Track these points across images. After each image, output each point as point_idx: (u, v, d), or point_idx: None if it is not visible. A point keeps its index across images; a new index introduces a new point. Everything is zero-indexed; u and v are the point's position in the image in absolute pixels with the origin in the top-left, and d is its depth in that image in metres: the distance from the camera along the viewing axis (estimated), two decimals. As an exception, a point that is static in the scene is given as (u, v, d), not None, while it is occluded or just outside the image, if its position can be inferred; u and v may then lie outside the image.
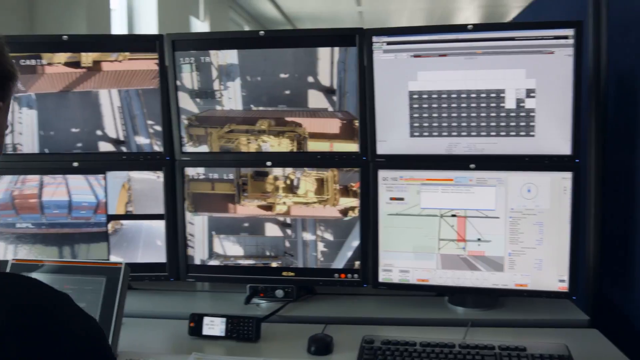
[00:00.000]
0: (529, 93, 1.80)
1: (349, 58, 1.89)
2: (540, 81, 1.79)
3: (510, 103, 1.82)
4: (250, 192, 1.99)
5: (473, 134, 1.85)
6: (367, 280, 1.96)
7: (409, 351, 1.56)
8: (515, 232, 1.83)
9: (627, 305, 1.87)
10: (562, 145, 1.80)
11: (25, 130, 2.01)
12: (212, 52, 1.95)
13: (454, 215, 1.87)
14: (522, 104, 1.81)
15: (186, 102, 1.98)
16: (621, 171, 1.90)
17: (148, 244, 2.03)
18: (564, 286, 1.81)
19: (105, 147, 2.02)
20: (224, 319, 1.73)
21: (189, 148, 2.00)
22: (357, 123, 1.91)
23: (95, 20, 3.29)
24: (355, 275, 1.96)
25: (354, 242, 1.95)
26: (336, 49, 1.89)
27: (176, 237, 2.02)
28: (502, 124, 1.83)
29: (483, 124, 1.84)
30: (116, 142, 2.02)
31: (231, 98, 1.96)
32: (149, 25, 5.23)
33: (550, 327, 1.79)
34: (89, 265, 1.61)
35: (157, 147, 2.01)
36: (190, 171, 2.00)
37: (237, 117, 1.97)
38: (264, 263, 2.00)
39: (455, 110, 1.85)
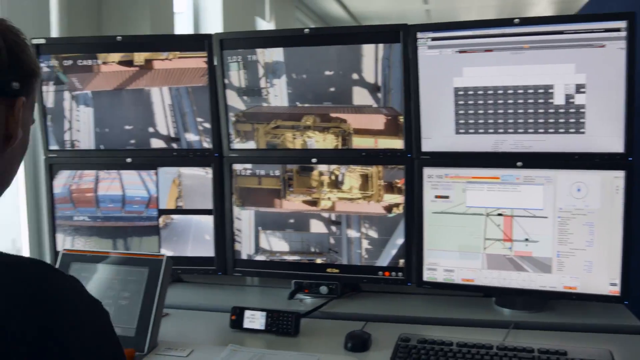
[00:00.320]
0: (579, 88, 1.73)
1: (393, 54, 1.88)
2: (591, 76, 1.72)
3: (559, 99, 1.75)
4: (296, 187, 2.01)
5: (520, 130, 1.80)
6: (411, 279, 1.94)
7: (444, 351, 1.53)
8: (564, 233, 1.77)
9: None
10: (614, 142, 1.72)
11: (83, 128, 2.10)
12: (258, 50, 1.98)
13: (500, 214, 1.82)
14: (571, 100, 1.74)
15: (234, 100, 2.02)
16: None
17: (197, 238, 2.09)
18: (615, 290, 1.74)
19: (156, 143, 2.09)
20: (264, 313, 1.76)
21: (236, 145, 2.04)
22: (401, 119, 1.90)
23: (159, 22, 3.40)
24: (400, 274, 1.95)
25: (399, 240, 1.94)
26: (380, 45, 1.88)
27: (224, 232, 2.07)
28: (551, 120, 1.77)
29: (530, 120, 1.79)
30: (167, 138, 2.08)
31: (277, 95, 1.99)
32: (214, 26, 5.33)
33: (599, 332, 1.71)
34: (133, 257, 1.67)
35: (207, 144, 2.06)
36: (238, 167, 2.04)
37: (283, 114, 1.99)
38: (309, 259, 2.02)
39: (501, 107, 1.81)
